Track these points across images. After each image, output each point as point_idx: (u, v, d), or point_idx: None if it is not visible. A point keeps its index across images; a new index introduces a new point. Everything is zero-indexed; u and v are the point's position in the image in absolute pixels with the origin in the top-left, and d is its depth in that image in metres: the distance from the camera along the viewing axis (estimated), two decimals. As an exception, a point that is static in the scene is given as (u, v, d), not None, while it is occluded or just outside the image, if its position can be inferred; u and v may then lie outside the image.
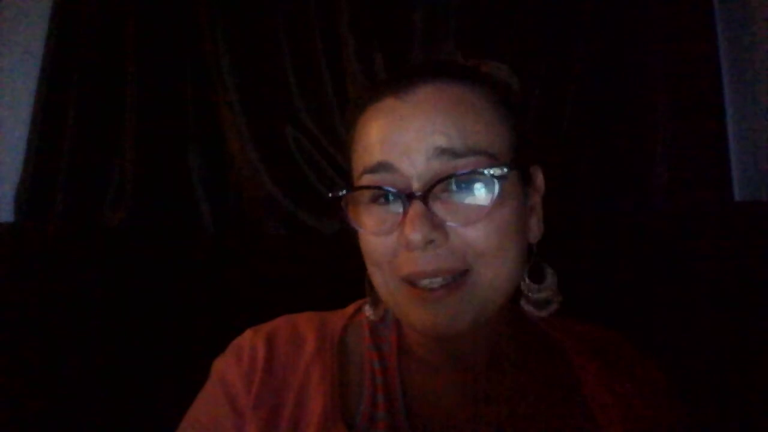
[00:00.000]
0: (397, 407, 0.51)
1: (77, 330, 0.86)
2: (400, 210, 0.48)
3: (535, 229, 0.54)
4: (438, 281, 0.47)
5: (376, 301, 0.56)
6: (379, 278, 0.51)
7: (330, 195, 0.52)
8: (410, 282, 0.48)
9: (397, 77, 0.53)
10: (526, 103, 0.95)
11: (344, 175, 1.04)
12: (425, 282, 0.47)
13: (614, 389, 0.54)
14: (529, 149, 0.53)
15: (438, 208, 0.47)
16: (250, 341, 0.56)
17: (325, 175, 1.05)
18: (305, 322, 0.58)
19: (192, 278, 0.92)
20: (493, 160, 0.48)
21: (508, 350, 0.56)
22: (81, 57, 1.05)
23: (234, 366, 0.54)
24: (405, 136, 0.48)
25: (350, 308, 0.60)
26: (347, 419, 0.50)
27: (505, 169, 0.47)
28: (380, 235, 0.49)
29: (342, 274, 0.84)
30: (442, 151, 0.47)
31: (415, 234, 0.45)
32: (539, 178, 0.55)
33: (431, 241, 0.46)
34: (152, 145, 1.05)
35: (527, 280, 0.54)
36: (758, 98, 0.92)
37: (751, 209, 0.88)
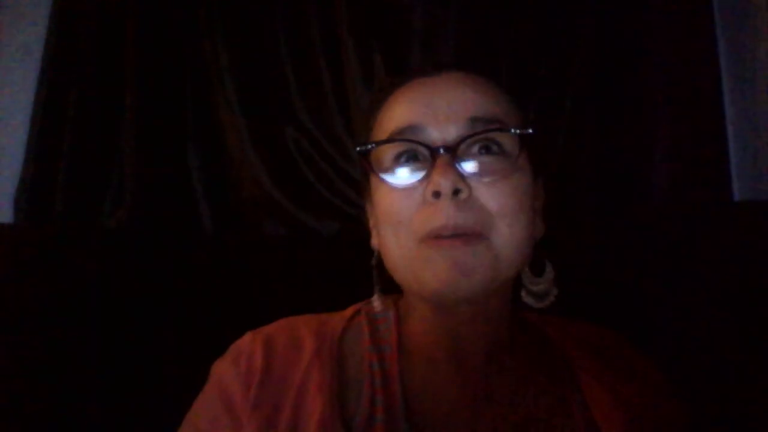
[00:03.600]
0: (396, 409, 0.51)
1: (77, 330, 0.86)
2: (425, 167, 0.50)
3: (539, 225, 0.57)
4: (458, 232, 0.48)
5: (382, 291, 0.58)
6: (393, 243, 0.51)
7: (357, 149, 0.54)
8: (430, 238, 0.49)
9: (424, 67, 0.58)
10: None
11: (344, 175, 1.04)
12: (446, 233, 0.48)
13: (614, 389, 0.54)
14: (537, 153, 0.56)
15: (462, 165, 0.49)
16: (248, 344, 0.56)
17: (324, 176, 1.05)
18: (304, 325, 0.58)
19: (191, 278, 0.92)
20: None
21: (508, 350, 0.56)
22: (81, 57, 1.05)
23: (231, 369, 0.54)
24: (436, 104, 0.52)
25: (349, 310, 0.60)
26: (346, 421, 0.50)
27: (529, 131, 0.50)
28: (402, 191, 0.51)
29: (341, 274, 0.84)
30: (475, 120, 0.50)
31: (445, 181, 0.47)
32: (541, 189, 0.58)
33: (458, 191, 0.48)
34: (152, 145, 1.05)
35: (528, 271, 0.56)
36: (758, 98, 0.92)
37: (750, 209, 0.88)
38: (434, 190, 0.48)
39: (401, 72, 0.94)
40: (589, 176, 0.97)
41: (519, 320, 0.59)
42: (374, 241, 0.59)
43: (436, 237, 0.48)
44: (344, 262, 0.85)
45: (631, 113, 0.97)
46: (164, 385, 0.83)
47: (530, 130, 0.50)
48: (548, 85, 0.99)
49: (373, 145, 0.53)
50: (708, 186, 0.92)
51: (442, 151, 0.49)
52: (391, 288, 0.57)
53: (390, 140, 0.52)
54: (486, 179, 0.49)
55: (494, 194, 0.49)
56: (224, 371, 0.55)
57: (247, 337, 0.57)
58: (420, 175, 0.50)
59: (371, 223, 0.60)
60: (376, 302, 0.58)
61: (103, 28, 1.06)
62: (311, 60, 1.06)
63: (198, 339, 0.81)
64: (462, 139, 0.49)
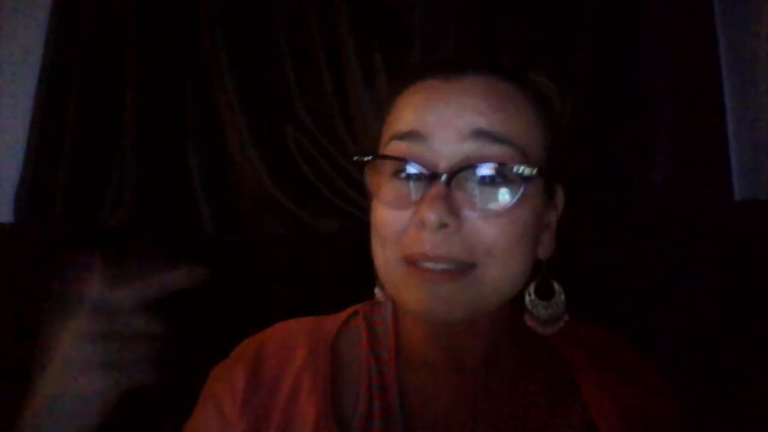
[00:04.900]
0: (393, 413, 0.51)
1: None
2: (421, 187, 0.47)
3: (547, 245, 0.53)
4: (441, 266, 0.46)
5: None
6: (380, 255, 0.50)
7: (355, 159, 0.51)
8: (412, 262, 0.47)
9: (446, 62, 0.53)
10: (565, 122, 0.94)
11: (344, 174, 1.04)
12: (428, 264, 0.46)
13: (613, 391, 0.54)
14: (558, 166, 0.52)
15: (459, 193, 0.46)
16: (239, 350, 0.57)
17: (324, 175, 1.05)
18: (298, 328, 0.58)
19: (191, 278, 0.92)
20: (525, 159, 0.47)
21: (507, 352, 0.56)
22: (81, 57, 1.05)
23: (220, 375, 0.55)
24: (444, 111, 0.48)
25: (345, 313, 0.60)
26: (341, 427, 0.50)
27: (535, 171, 0.46)
28: (394, 208, 0.48)
29: (341, 273, 0.84)
30: (479, 133, 0.47)
31: (431, 214, 0.44)
32: (560, 198, 0.54)
33: (445, 225, 0.45)
34: (152, 145, 1.05)
35: (533, 296, 0.53)
36: (759, 98, 0.92)
37: (751, 208, 0.88)
38: (420, 220, 0.45)
39: (404, 69, 0.93)
40: (589, 176, 0.97)
41: (518, 321, 0.59)
42: None
43: (416, 263, 0.46)
44: (344, 261, 0.85)
45: (631, 113, 0.97)
46: (164, 385, 0.83)
47: (534, 170, 0.46)
48: (548, 85, 0.99)
49: (371, 158, 0.50)
50: (708, 185, 0.92)
51: (439, 176, 0.46)
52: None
53: (387, 157, 0.49)
54: (482, 212, 0.46)
55: (489, 229, 0.46)
56: (215, 376, 0.56)
57: (243, 343, 0.58)
58: (414, 195, 0.47)
59: None
60: (380, 293, 0.57)
61: (103, 28, 1.06)
62: (311, 60, 1.06)
63: (198, 339, 0.81)
64: (459, 169, 0.46)
